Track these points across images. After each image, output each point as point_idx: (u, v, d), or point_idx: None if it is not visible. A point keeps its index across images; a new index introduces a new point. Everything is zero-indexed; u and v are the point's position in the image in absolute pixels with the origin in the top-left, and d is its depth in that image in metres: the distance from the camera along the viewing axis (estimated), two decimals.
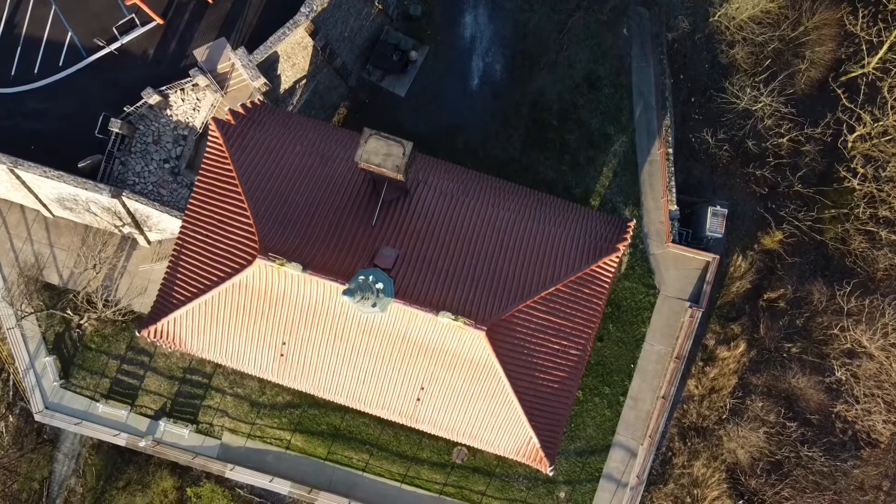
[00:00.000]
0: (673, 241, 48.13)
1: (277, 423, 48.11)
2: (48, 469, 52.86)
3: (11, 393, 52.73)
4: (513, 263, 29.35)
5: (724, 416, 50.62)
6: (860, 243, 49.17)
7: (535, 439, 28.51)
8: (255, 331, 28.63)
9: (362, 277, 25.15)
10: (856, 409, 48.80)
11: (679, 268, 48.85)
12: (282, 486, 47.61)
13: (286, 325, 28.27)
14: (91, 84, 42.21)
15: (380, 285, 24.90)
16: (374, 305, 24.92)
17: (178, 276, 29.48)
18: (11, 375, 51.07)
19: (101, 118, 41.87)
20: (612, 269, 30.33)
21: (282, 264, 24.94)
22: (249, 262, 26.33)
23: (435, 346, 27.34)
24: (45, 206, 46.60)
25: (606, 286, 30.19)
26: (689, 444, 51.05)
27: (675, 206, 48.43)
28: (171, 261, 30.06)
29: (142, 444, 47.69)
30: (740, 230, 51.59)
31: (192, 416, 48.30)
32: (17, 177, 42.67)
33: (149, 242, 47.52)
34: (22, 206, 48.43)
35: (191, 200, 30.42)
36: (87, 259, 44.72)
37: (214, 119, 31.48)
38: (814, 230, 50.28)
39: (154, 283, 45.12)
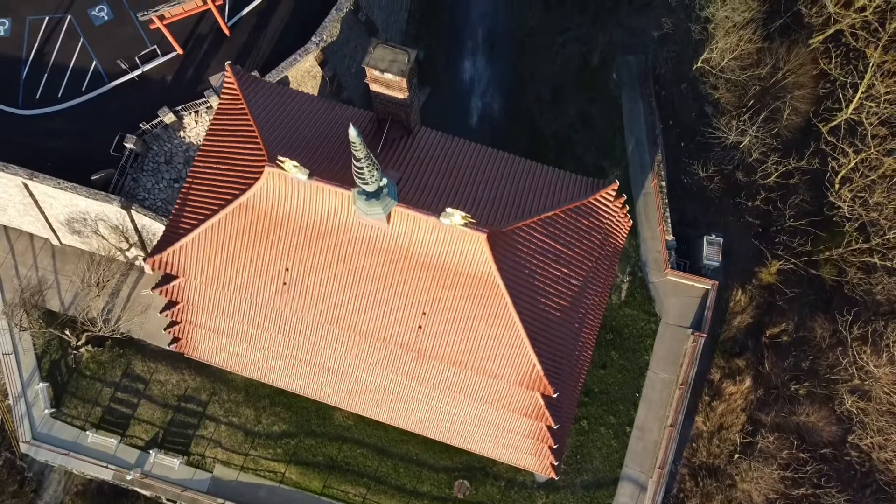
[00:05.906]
0: (671, 268, 48.67)
1: (272, 453, 46.37)
2: None
3: None
4: (512, 191, 30.12)
5: (736, 455, 48.91)
6: (856, 273, 49.66)
7: (538, 366, 27.74)
8: (259, 259, 28.73)
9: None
10: (869, 440, 47.29)
11: (679, 295, 49.05)
12: None
13: (290, 249, 28.36)
14: (110, 106, 44.45)
15: (384, 181, 25.47)
16: (377, 197, 25.29)
17: (187, 207, 30.02)
18: (0, 414, 49.74)
19: (116, 137, 43.76)
20: (610, 204, 30.88)
21: (292, 165, 25.50)
22: (257, 179, 27.04)
23: (437, 262, 27.37)
24: (53, 231, 47.56)
25: (605, 219, 30.61)
26: (700, 484, 48.92)
27: (672, 236, 49.47)
28: (180, 195, 30.71)
29: (129, 476, 45.74)
30: (738, 266, 52.20)
31: (185, 446, 46.64)
32: (30, 193, 44.00)
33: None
34: (31, 235, 49.41)
35: (203, 141, 31.52)
36: (91, 275, 45.05)
37: (230, 64, 33.22)
38: (809, 265, 50.91)
39: (155, 308, 45.17)
